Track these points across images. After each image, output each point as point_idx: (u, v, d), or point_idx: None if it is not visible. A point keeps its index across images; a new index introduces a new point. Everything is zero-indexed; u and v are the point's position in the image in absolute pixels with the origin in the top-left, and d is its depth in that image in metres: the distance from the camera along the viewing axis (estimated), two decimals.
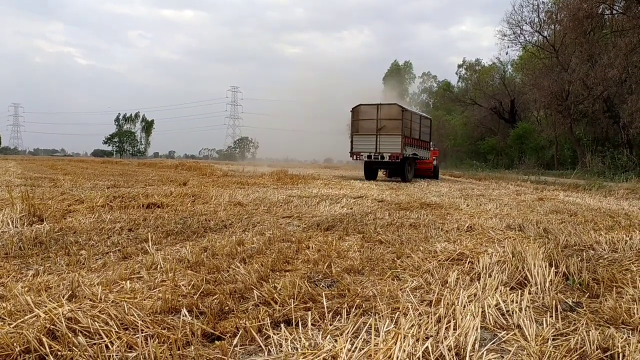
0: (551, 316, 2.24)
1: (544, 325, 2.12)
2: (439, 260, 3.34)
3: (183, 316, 2.12)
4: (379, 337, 1.91)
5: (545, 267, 2.85)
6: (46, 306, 2.05)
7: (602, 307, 2.37)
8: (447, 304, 2.28)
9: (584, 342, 1.90)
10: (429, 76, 64.96)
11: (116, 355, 1.72)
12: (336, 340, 1.88)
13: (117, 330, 1.89)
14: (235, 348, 1.87)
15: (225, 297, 2.36)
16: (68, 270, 2.93)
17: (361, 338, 1.89)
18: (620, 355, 1.81)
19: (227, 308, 2.25)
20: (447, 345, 1.81)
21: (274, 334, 1.97)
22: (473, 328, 1.96)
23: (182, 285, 2.60)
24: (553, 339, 1.99)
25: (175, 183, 10.25)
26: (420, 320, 2.10)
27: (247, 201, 6.91)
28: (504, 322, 2.17)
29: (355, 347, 1.80)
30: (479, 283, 2.67)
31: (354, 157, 16.71)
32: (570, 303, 2.47)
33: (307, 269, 3.04)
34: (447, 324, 2.03)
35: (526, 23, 34.17)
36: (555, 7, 31.11)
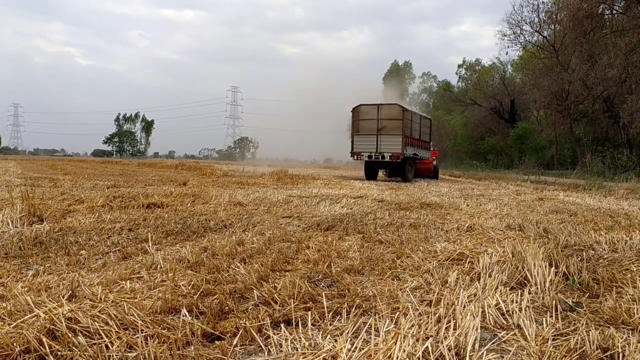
0: (551, 316, 2.24)
1: (544, 325, 2.12)
2: (439, 260, 3.34)
3: (183, 316, 2.12)
4: (379, 337, 1.91)
5: (545, 267, 2.85)
6: (46, 306, 2.05)
7: (602, 307, 2.37)
8: (447, 304, 2.28)
9: (584, 342, 1.90)
10: (429, 76, 65.01)
11: (116, 355, 1.72)
12: (336, 340, 1.88)
13: (117, 330, 1.89)
14: (235, 348, 1.87)
15: (225, 297, 2.36)
16: (68, 270, 2.93)
17: (361, 338, 1.89)
18: (620, 355, 1.81)
19: (227, 308, 2.25)
20: (447, 345, 1.81)
21: (274, 334, 1.97)
22: (473, 328, 1.96)
23: (182, 285, 2.60)
24: (553, 339, 1.99)
25: (175, 183, 10.25)
26: (420, 320, 2.10)
27: (247, 201, 6.91)
28: (504, 322, 2.17)
29: (355, 347, 1.80)
30: (479, 283, 2.67)
31: (355, 157, 16.72)
32: (570, 303, 2.47)
33: (307, 269, 3.04)
34: (447, 324, 2.03)
35: (526, 23, 34.22)
36: (555, 7, 31.12)
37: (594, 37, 27.09)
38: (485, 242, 4.02)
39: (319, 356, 1.74)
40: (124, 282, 2.63)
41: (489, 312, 2.22)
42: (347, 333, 1.97)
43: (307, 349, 1.81)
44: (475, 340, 1.88)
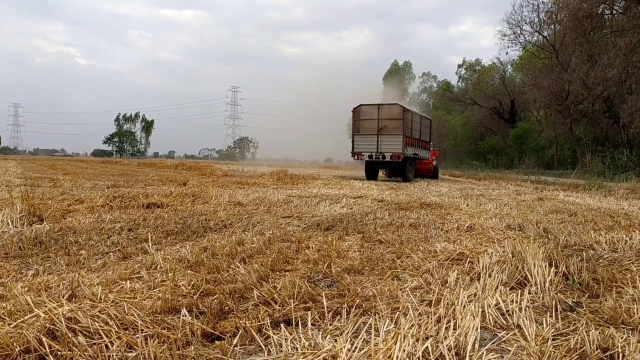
0: (551, 316, 2.24)
1: (544, 325, 2.12)
2: (439, 260, 3.34)
3: (183, 316, 2.12)
4: (379, 337, 1.91)
5: (545, 267, 2.85)
6: (46, 306, 2.05)
7: (602, 307, 2.37)
8: (447, 303, 2.28)
9: (584, 342, 1.90)
10: (429, 76, 65.01)
11: (116, 355, 1.72)
12: (336, 340, 1.88)
13: (117, 330, 1.89)
14: (235, 348, 1.87)
15: (225, 297, 2.36)
16: (68, 270, 2.93)
17: (361, 338, 1.89)
18: (620, 355, 1.81)
19: (227, 308, 2.25)
20: (447, 345, 1.81)
21: (274, 333, 1.96)
22: (473, 328, 1.96)
23: (182, 285, 2.60)
24: (553, 339, 1.99)
25: (175, 183, 10.25)
26: (420, 320, 2.10)
27: (247, 201, 6.90)
28: (504, 322, 2.17)
29: (355, 347, 1.80)
30: (478, 283, 2.67)
31: (356, 157, 16.74)
32: (570, 303, 2.47)
33: (307, 269, 3.04)
34: (447, 323, 2.03)
35: (526, 23, 34.22)
36: (555, 7, 31.12)
37: (594, 37, 27.08)
38: (485, 242, 4.02)
39: (319, 356, 1.74)
40: (123, 282, 2.63)
41: (489, 312, 2.22)
42: (347, 333, 1.97)
43: (307, 349, 1.81)
44: (475, 340, 1.88)
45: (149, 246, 3.60)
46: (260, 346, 1.89)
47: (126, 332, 1.91)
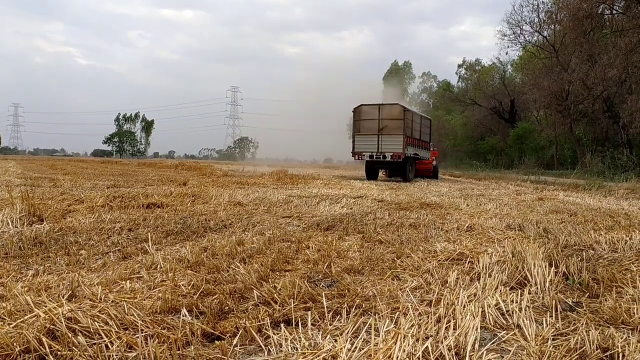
0: (551, 316, 2.24)
1: (544, 325, 2.12)
2: (439, 260, 3.34)
3: (183, 316, 2.12)
4: (378, 337, 1.91)
5: (545, 267, 2.85)
6: (46, 306, 2.05)
7: (602, 307, 2.37)
8: (447, 303, 2.28)
9: (584, 342, 1.90)
10: (429, 76, 65.03)
11: (116, 355, 1.72)
12: (336, 340, 1.88)
13: (117, 330, 1.89)
14: (235, 348, 1.87)
15: (225, 297, 2.36)
16: (68, 270, 2.93)
17: (361, 338, 1.89)
18: (620, 355, 1.81)
19: (227, 308, 2.25)
20: (447, 345, 1.81)
21: (274, 333, 1.97)
22: (473, 328, 1.96)
23: (182, 285, 2.60)
24: (553, 339, 1.99)
25: (175, 183, 10.25)
26: (420, 320, 2.10)
27: (247, 201, 6.90)
28: (504, 322, 2.17)
29: (355, 347, 1.80)
30: (478, 283, 2.67)
31: (356, 157, 16.75)
32: (570, 303, 2.47)
33: (307, 269, 3.04)
34: (447, 323, 2.03)
35: (526, 23, 34.23)
36: (555, 7, 31.12)
37: (594, 37, 27.08)
38: (485, 242, 4.02)
39: (318, 356, 1.74)
40: (123, 282, 2.63)
41: (488, 312, 2.22)
42: (347, 333, 1.97)
43: (307, 349, 1.81)
44: (475, 340, 1.88)
45: (149, 246, 3.60)
46: (260, 346, 1.89)
47: (126, 332, 1.91)
